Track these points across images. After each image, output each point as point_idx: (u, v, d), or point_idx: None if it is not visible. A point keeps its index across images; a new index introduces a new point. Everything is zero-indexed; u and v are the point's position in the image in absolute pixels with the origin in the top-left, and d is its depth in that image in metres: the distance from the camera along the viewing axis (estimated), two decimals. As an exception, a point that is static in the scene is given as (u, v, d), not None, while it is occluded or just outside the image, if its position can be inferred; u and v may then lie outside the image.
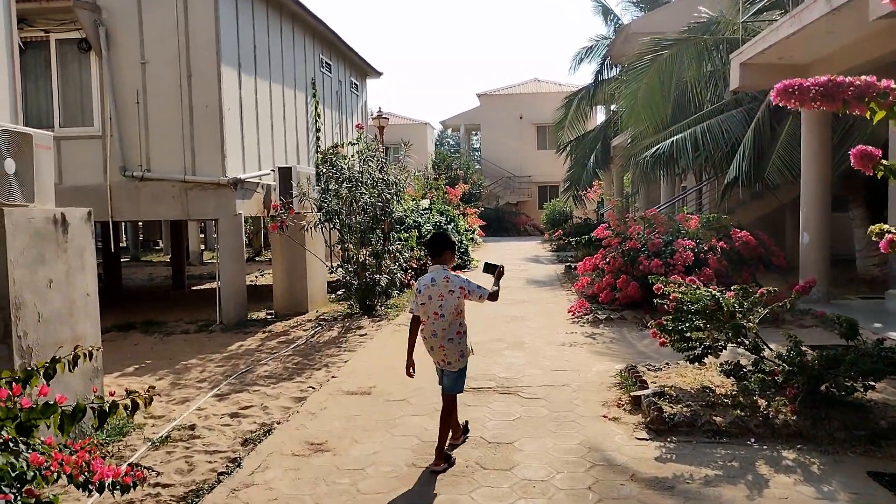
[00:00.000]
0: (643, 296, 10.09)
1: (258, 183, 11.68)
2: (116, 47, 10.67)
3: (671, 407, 5.46)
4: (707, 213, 16.96)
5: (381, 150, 11.80)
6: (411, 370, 4.91)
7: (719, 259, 9.95)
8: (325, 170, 11.22)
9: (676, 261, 9.80)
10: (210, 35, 10.56)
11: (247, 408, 6.39)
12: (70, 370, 2.95)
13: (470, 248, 19.02)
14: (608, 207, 29.65)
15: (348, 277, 11.04)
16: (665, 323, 5.98)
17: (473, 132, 45.94)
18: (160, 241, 31.53)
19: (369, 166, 11.25)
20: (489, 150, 40.32)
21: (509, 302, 12.09)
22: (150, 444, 5.49)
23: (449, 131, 57.70)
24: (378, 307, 11.31)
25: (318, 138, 15.18)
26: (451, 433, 4.94)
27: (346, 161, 11.39)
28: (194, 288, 16.71)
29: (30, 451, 2.51)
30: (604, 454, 4.88)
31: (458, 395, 4.94)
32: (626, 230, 11.20)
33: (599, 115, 31.54)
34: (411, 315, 4.90)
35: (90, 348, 3.02)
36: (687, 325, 5.80)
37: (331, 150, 11.61)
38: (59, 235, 5.51)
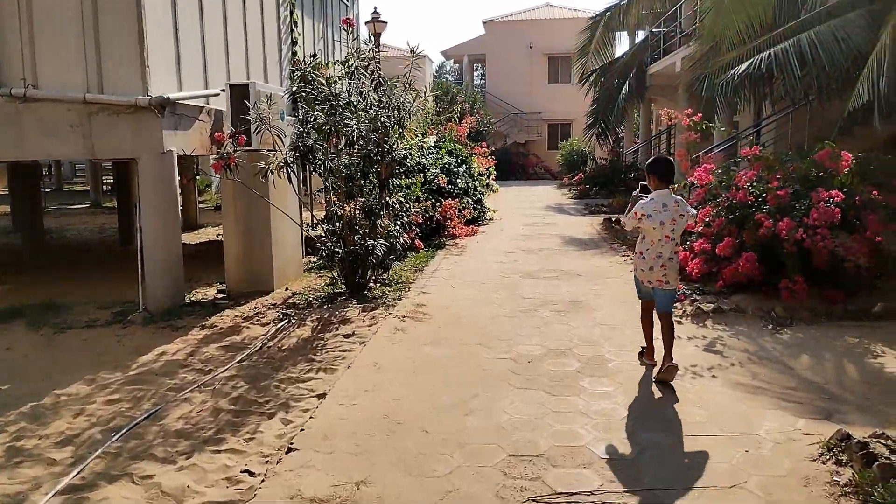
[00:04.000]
0: (763, 272, 6.85)
1: (202, 108, 8.23)
2: None
3: None
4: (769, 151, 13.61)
5: (377, 59, 8.34)
6: None
7: (882, 219, 6.65)
8: (298, 87, 7.79)
9: (818, 221, 6.50)
10: None
11: (110, 537, 3.19)
12: None
13: (484, 197, 15.60)
14: (638, 146, 26.16)
15: (330, 243, 7.76)
16: None
17: (476, 64, 41.83)
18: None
19: (360, 81, 7.81)
20: (495, 84, 36.31)
21: (553, 274, 8.83)
22: None
23: (448, 65, 53.37)
24: (372, 284, 8.05)
25: (294, 53, 11.63)
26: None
27: (332, 81, 7.93)
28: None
29: None
30: None
31: None
32: (728, 177, 7.86)
33: (621, 45, 27.48)
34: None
35: None
36: None
37: (309, 64, 8.07)
38: None
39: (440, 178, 12.58)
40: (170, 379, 5.43)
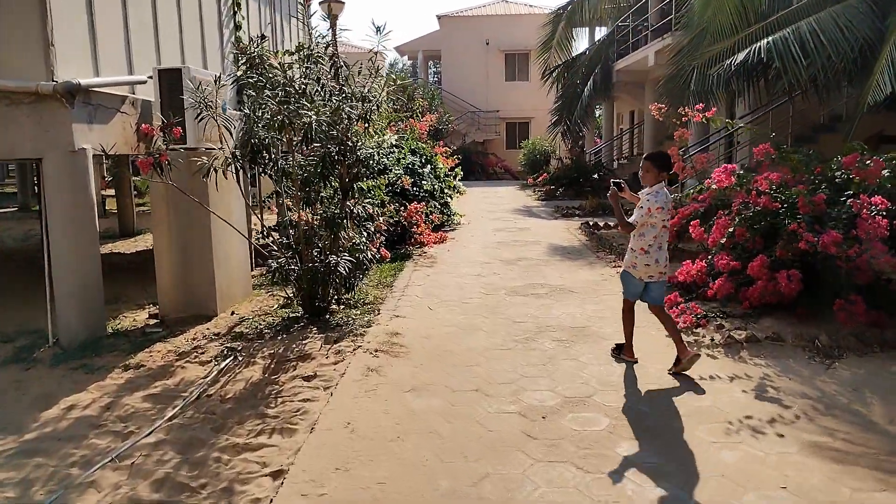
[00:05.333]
0: (798, 292, 5.87)
1: (125, 97, 6.85)
2: None
3: None
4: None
5: (335, 44, 7.12)
6: None
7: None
8: (245, 73, 6.51)
9: (868, 232, 5.56)
10: None
11: None
12: None
13: (451, 199, 14.44)
14: (601, 146, 25.38)
15: (284, 258, 6.50)
16: None
17: (432, 61, 40.64)
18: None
19: (318, 66, 6.57)
20: (451, 81, 35.12)
21: (542, 290, 7.74)
22: None
23: (402, 63, 51.99)
24: (335, 306, 6.83)
25: (238, 39, 10.26)
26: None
27: (285, 67, 6.67)
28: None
29: None
30: None
31: None
32: (746, 180, 6.87)
33: (581, 41, 26.63)
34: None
35: None
36: None
37: (256, 46, 6.77)
38: None
39: (404, 179, 11.41)
40: (76, 447, 4.14)
